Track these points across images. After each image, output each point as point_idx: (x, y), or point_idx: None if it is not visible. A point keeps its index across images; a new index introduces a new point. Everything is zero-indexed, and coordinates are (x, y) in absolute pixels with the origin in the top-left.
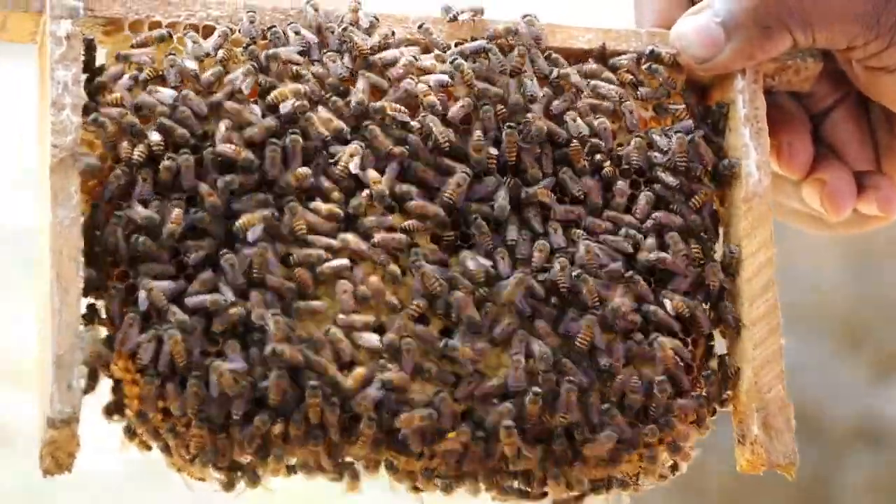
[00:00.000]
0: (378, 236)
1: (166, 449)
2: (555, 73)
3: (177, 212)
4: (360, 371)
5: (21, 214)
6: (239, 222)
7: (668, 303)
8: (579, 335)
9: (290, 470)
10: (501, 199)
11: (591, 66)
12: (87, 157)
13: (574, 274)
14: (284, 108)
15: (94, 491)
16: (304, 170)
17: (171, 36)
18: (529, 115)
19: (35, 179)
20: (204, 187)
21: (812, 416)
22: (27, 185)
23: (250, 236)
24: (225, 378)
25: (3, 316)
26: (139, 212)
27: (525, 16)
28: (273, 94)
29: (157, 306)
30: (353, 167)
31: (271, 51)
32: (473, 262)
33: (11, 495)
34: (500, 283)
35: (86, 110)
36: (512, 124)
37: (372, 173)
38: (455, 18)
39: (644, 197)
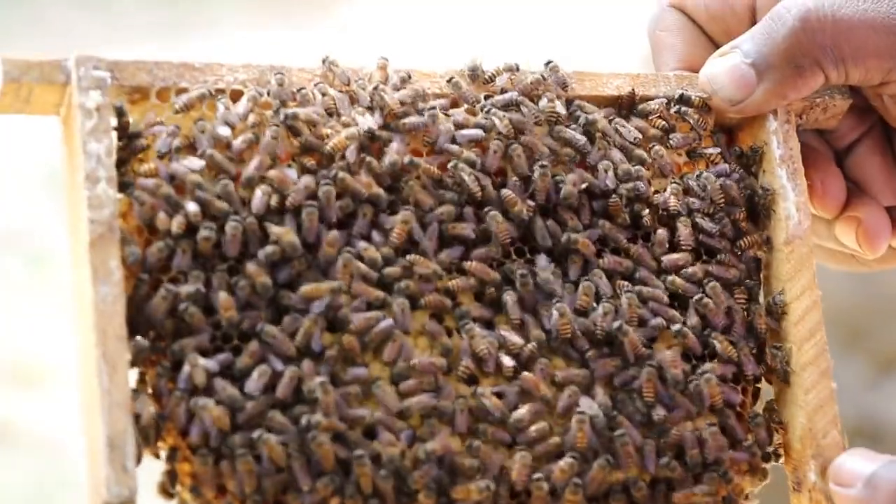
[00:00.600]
0: (425, 299)
1: None
2: (583, 120)
3: (224, 297)
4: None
5: (22, 215)
6: (303, 290)
7: (717, 344)
8: (644, 389)
9: None
10: (543, 266)
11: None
12: (130, 245)
13: (616, 325)
14: (351, 154)
15: None
16: (334, 235)
17: (212, 94)
18: (564, 175)
19: (70, 248)
20: (252, 267)
21: None
22: (29, 188)
23: (316, 307)
24: (275, 451)
25: (5, 316)
26: (184, 289)
27: (548, 62)
28: (332, 143)
29: (197, 383)
30: (415, 235)
31: (291, 111)
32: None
33: (15, 493)
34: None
35: (121, 187)
36: (545, 163)
37: (425, 243)
38: (492, 80)
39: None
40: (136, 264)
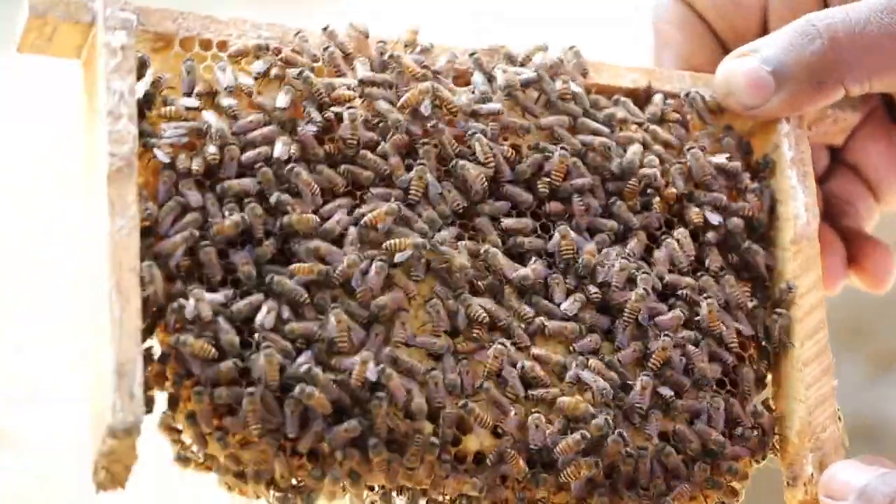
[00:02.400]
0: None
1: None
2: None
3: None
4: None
5: (20, 217)
6: (390, 243)
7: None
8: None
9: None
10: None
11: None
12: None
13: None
14: (426, 109)
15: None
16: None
17: (268, 48)
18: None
19: (82, 188)
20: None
21: None
22: (25, 190)
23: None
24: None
25: (7, 318)
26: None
27: (571, 47)
28: (408, 96)
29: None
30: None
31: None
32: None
33: (13, 495)
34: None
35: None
36: (566, 147)
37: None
38: (525, 63)
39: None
40: (150, 220)
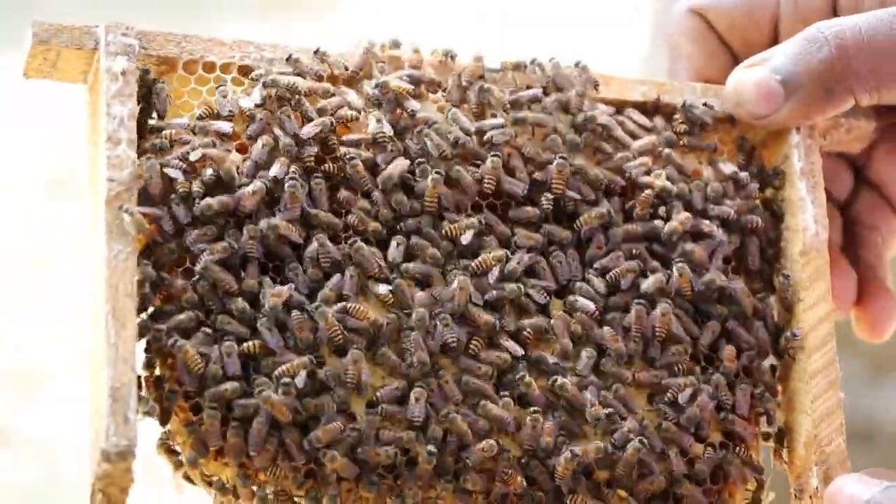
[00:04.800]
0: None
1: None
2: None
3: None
4: None
5: (25, 216)
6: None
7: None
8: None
9: None
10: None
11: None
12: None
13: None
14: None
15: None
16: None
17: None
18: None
19: (88, 212)
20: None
21: None
22: (32, 190)
23: (464, 240)
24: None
25: (7, 317)
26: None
27: (577, 63)
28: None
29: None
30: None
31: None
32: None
33: (14, 496)
34: None
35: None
36: (564, 156)
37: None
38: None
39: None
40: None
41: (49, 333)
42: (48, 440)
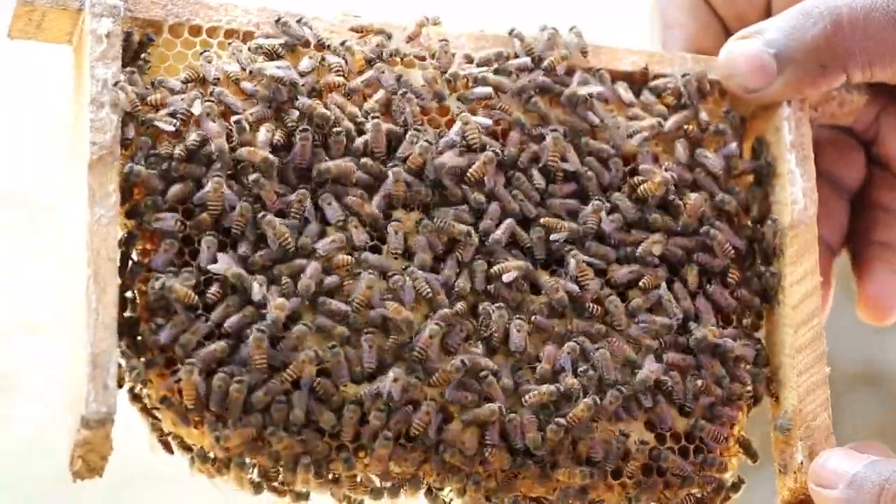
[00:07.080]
0: None
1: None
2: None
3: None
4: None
5: (28, 173)
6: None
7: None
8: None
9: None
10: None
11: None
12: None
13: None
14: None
15: None
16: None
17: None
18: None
19: (66, 176)
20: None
21: None
22: (31, 146)
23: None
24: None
25: (12, 268)
26: None
27: (572, 27)
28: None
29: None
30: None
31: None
32: None
33: (22, 442)
34: None
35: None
36: (556, 128)
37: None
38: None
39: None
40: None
41: (54, 282)
42: (52, 387)
